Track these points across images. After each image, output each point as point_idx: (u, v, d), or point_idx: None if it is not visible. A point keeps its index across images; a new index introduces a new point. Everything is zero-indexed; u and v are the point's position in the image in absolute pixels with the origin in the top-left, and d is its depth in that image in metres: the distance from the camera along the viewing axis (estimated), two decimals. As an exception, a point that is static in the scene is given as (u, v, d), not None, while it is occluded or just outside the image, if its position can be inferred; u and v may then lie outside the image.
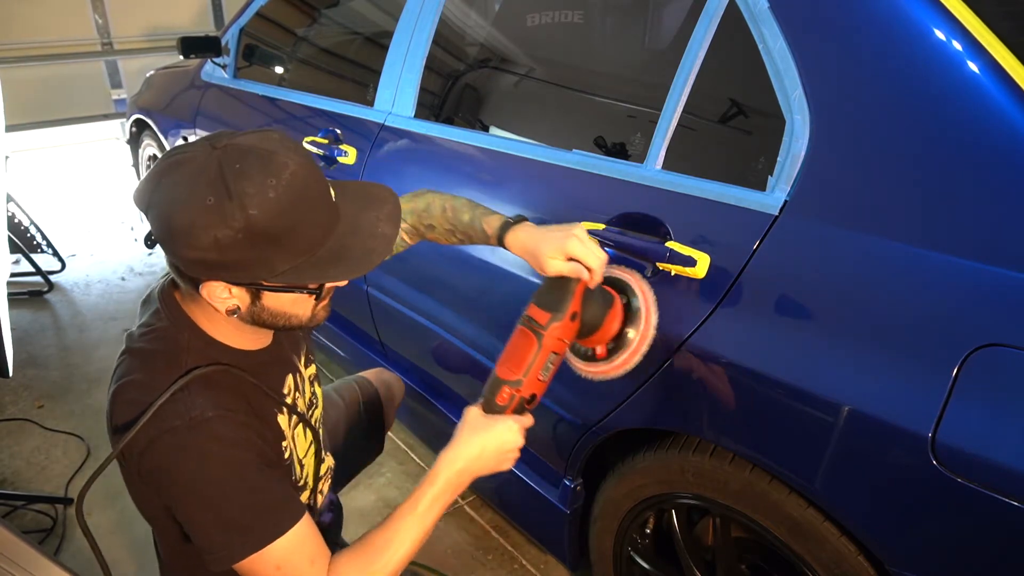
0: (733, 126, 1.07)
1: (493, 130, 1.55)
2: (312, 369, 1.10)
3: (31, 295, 3.10)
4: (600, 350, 1.00)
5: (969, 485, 0.76)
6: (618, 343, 0.99)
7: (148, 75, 3.18)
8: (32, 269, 3.12)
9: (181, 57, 2.38)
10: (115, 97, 5.15)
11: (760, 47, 0.96)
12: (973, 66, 0.80)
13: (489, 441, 0.92)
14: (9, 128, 4.05)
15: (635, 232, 1.09)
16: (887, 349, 0.83)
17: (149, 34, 5.15)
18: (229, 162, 0.74)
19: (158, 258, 3.50)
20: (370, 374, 1.54)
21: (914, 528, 0.84)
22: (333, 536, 1.27)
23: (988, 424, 0.75)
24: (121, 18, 5.00)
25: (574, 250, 0.91)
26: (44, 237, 3.24)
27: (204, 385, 0.83)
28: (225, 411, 0.83)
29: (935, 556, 0.84)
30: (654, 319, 0.98)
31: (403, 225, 1.08)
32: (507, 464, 0.95)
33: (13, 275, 3.17)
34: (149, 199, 0.77)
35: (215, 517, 0.82)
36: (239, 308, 0.82)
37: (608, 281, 1.01)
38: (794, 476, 0.94)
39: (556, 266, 0.92)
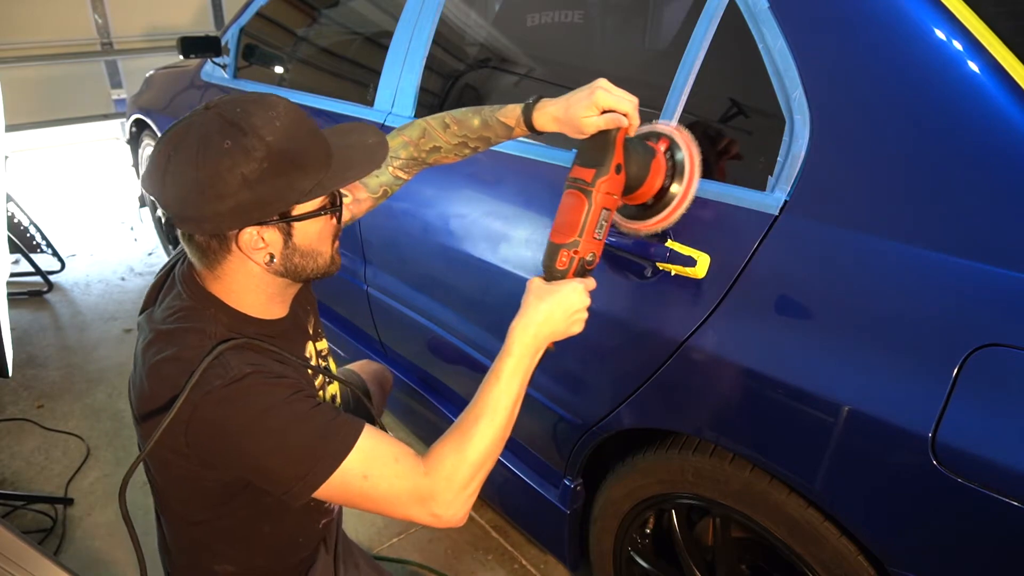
0: (733, 126, 1.07)
1: (493, 130, 1.54)
2: (324, 344, 1.13)
3: (31, 295, 3.10)
4: (646, 204, 1.01)
5: (969, 485, 0.76)
6: (662, 198, 0.99)
7: (148, 75, 3.18)
8: (32, 269, 3.12)
9: (181, 57, 2.38)
10: (115, 97, 5.15)
11: (760, 47, 0.96)
12: (973, 66, 0.80)
13: (556, 305, 0.91)
14: (9, 128, 4.06)
15: (635, 232, 1.08)
16: (887, 349, 0.83)
17: (149, 34, 5.16)
18: (229, 111, 0.80)
19: (158, 258, 3.50)
20: (356, 366, 1.55)
21: (914, 528, 0.84)
22: (337, 523, 1.28)
23: (988, 424, 0.75)
24: (121, 18, 5.00)
25: (605, 101, 0.90)
26: (44, 237, 3.24)
27: (236, 351, 0.86)
28: (260, 367, 0.86)
29: (935, 556, 0.84)
30: (698, 171, 0.97)
31: (396, 162, 1.11)
32: (577, 327, 0.95)
33: (13, 275, 3.17)
34: (163, 176, 0.81)
35: (281, 453, 0.83)
36: (273, 256, 0.87)
37: (649, 136, 1.02)
38: (794, 476, 0.94)
39: (594, 122, 0.91)
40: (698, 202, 1.02)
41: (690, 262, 1.00)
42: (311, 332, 1.09)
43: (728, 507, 1.07)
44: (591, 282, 0.96)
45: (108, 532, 1.77)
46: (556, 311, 0.91)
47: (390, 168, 1.12)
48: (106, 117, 5.16)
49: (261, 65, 2.37)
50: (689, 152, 0.98)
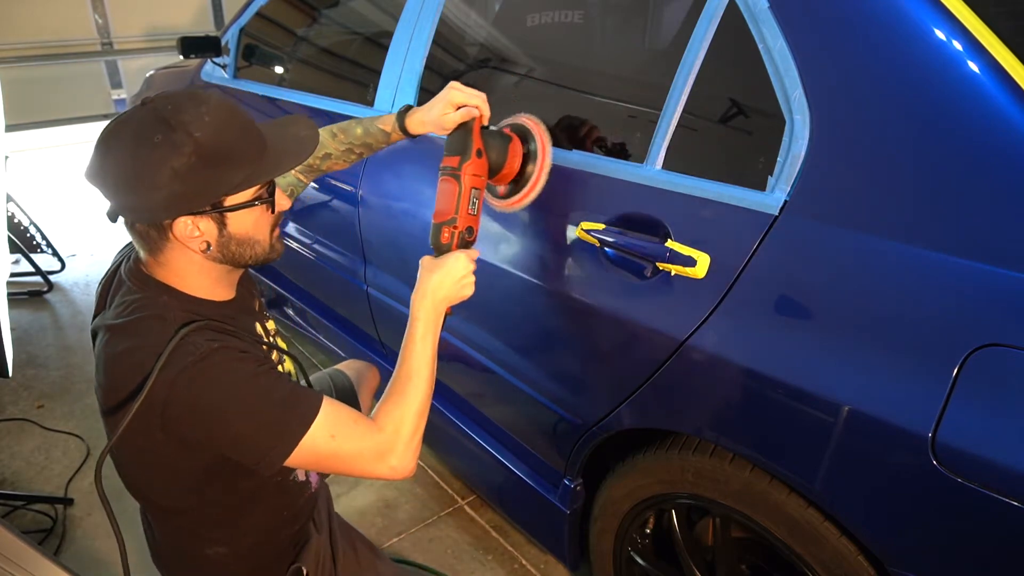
0: (733, 126, 1.07)
1: (493, 130, 1.54)
2: (272, 324, 1.17)
3: (31, 295, 3.10)
4: (505, 189, 1.17)
5: (969, 485, 0.76)
6: (521, 179, 1.14)
7: (148, 75, 3.18)
8: (32, 269, 3.12)
9: (181, 57, 2.38)
10: (115, 97, 5.16)
11: (760, 47, 0.96)
12: (973, 66, 0.80)
13: (444, 274, 1.04)
14: (9, 128, 4.05)
15: (635, 232, 1.09)
16: (887, 349, 0.83)
17: (149, 34, 5.16)
18: (161, 106, 0.84)
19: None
20: (343, 365, 1.56)
21: (914, 528, 0.84)
22: (327, 506, 1.29)
23: (988, 424, 0.75)
24: (121, 18, 5.01)
25: (457, 99, 1.07)
26: (44, 237, 3.24)
27: (199, 330, 0.89)
28: (224, 343, 0.89)
29: (935, 556, 0.84)
30: (549, 154, 1.12)
31: (297, 168, 1.19)
32: (468, 290, 1.07)
33: (13, 275, 3.17)
34: (102, 167, 0.85)
35: (255, 423, 0.88)
36: (210, 244, 0.91)
37: (507, 126, 1.17)
38: (794, 476, 0.94)
39: (452, 118, 1.07)
40: (698, 202, 1.02)
41: (690, 262, 1.00)
42: (259, 312, 1.13)
43: (728, 507, 1.07)
44: (473, 252, 1.09)
45: (108, 532, 1.77)
46: (445, 279, 1.04)
47: (292, 172, 1.22)
48: (106, 117, 5.16)
49: (261, 65, 2.37)
50: (539, 136, 1.12)
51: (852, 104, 0.88)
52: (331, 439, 0.91)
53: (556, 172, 1.25)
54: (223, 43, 2.40)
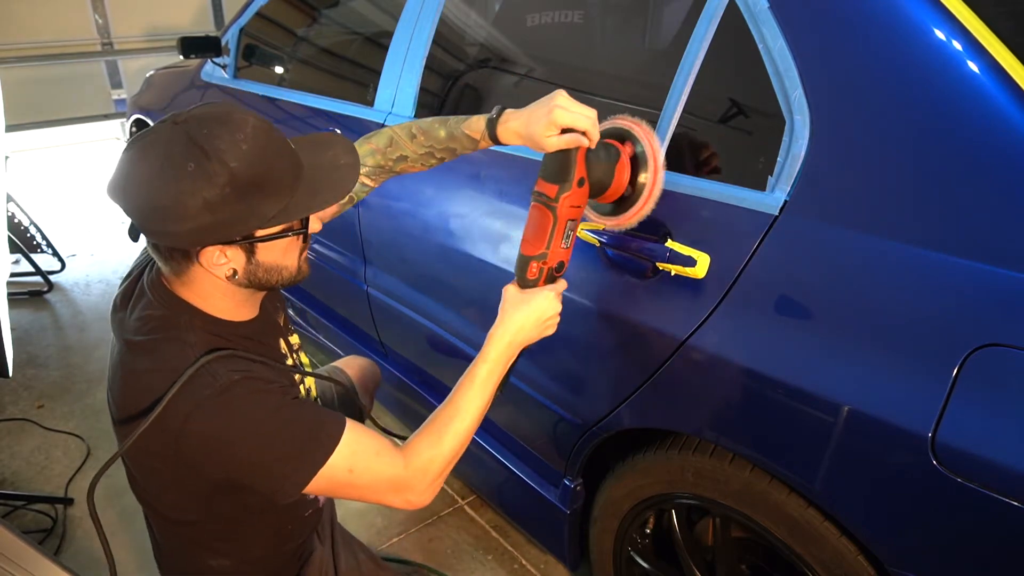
0: (733, 126, 1.07)
1: (493, 130, 1.54)
2: (295, 338, 1.15)
3: (31, 295, 3.10)
4: (618, 200, 1.02)
5: (969, 485, 0.76)
6: (633, 191, 1.00)
7: (148, 75, 3.18)
8: (32, 269, 3.12)
9: (181, 57, 2.38)
10: (115, 97, 5.16)
11: (760, 47, 0.96)
12: (973, 66, 0.80)
13: (530, 313, 0.97)
14: (9, 128, 4.06)
15: (635, 232, 1.09)
16: (887, 349, 0.83)
17: (149, 34, 5.16)
18: (195, 130, 0.79)
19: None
20: (343, 363, 1.56)
21: (914, 528, 0.84)
22: (330, 517, 1.29)
23: (988, 424, 0.75)
24: (121, 18, 5.01)
25: (564, 120, 0.91)
26: (44, 237, 3.24)
27: (219, 359, 0.87)
28: (246, 371, 0.87)
29: (935, 556, 0.84)
30: (662, 159, 0.99)
31: (363, 169, 1.11)
32: (550, 330, 1.00)
33: (13, 275, 3.17)
34: (125, 187, 0.80)
35: (273, 456, 0.86)
36: (236, 271, 0.87)
37: (609, 133, 1.02)
38: (794, 476, 0.94)
39: (554, 142, 0.92)
40: (698, 202, 1.02)
41: (690, 262, 1.00)
42: (283, 327, 1.11)
43: (728, 507, 1.07)
44: (561, 285, 1.01)
45: (108, 532, 1.77)
46: (529, 319, 0.97)
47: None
48: (106, 117, 5.16)
49: (261, 65, 2.37)
50: (651, 146, 0.98)
51: (852, 104, 0.88)
52: (349, 472, 0.89)
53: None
54: (223, 43, 2.40)
